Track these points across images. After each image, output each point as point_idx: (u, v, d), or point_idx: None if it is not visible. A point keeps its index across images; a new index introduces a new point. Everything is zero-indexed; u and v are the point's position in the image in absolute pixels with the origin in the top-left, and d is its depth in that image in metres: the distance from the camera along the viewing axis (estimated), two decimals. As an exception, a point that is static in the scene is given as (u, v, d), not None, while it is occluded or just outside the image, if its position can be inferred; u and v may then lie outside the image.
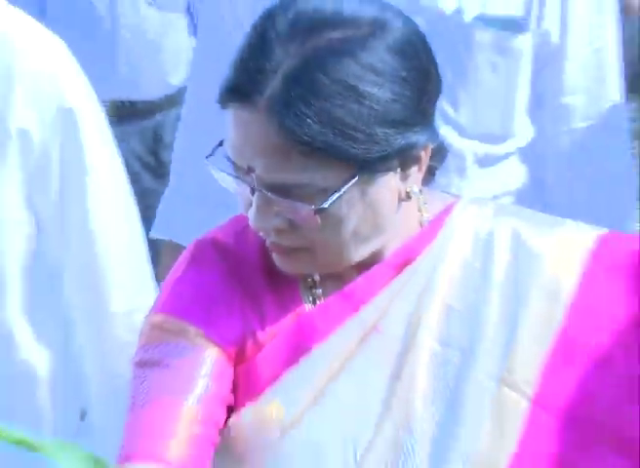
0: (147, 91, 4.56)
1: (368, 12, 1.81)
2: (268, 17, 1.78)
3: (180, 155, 2.97)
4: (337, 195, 1.71)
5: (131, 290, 2.11)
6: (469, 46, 2.77)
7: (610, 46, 2.87)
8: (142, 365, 1.85)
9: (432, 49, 1.91)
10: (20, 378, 2.05)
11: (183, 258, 1.94)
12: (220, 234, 1.96)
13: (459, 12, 2.72)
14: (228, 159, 1.76)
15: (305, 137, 1.68)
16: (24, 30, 2.07)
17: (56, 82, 2.11)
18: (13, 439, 1.11)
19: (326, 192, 1.71)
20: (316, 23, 1.76)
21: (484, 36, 2.78)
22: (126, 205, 2.14)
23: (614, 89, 2.88)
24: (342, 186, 1.72)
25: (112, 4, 4.58)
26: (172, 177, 3.02)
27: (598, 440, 1.91)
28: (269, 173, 1.71)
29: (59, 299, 2.06)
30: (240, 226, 1.90)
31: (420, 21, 2.56)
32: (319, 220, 1.73)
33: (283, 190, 1.71)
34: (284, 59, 1.71)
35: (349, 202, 1.75)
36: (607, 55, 2.87)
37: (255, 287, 1.92)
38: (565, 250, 1.97)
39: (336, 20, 1.77)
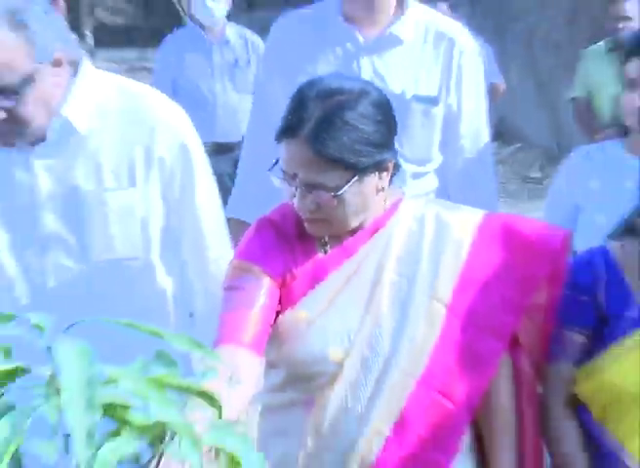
0: (231, 136, 4.52)
1: (357, 85, 1.81)
2: (302, 89, 1.79)
3: (242, 170, 2.83)
4: (344, 188, 1.70)
5: (218, 245, 2.01)
6: (408, 112, 2.60)
7: (482, 110, 2.76)
8: (228, 289, 1.82)
9: None
10: (158, 295, 1.97)
11: (251, 228, 1.92)
12: (273, 215, 1.92)
13: (402, 93, 2.58)
14: (281, 169, 1.75)
15: (328, 155, 1.68)
16: (162, 103, 1.96)
17: (178, 131, 1.99)
18: (151, 331, 1.05)
19: (338, 187, 1.71)
20: (330, 92, 1.75)
21: (416, 107, 2.63)
22: (215, 199, 2.06)
23: (485, 135, 2.76)
24: (347, 183, 1.71)
25: (211, 90, 4.53)
26: (236, 182, 2.88)
27: (485, 332, 1.84)
28: (307, 176, 1.70)
29: (179, 250, 1.98)
30: (283, 211, 1.88)
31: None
32: (335, 203, 1.72)
33: (314, 186, 1.71)
34: (314, 112, 1.70)
35: (351, 192, 1.73)
36: (481, 116, 2.76)
37: (292, 244, 1.88)
38: (464, 223, 1.91)
39: (340, 91, 1.76)
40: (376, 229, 1.85)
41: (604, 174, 2.37)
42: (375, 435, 1.75)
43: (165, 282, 1.97)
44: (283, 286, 1.86)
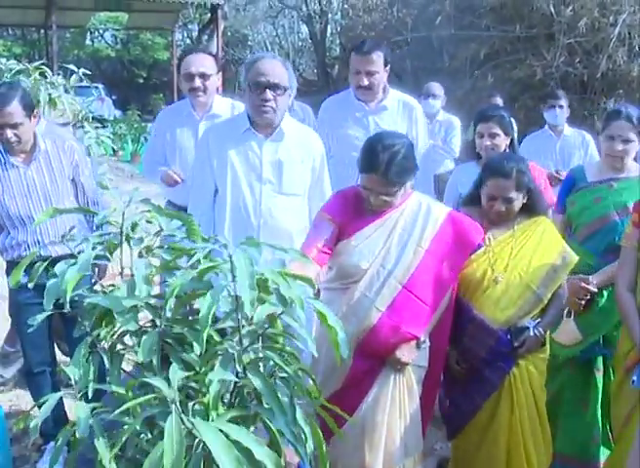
0: None
1: (400, 139, 2.49)
2: (372, 143, 2.46)
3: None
4: (397, 193, 2.46)
5: (328, 193, 3.02)
6: None
7: (425, 139, 3.84)
8: (313, 226, 2.61)
9: None
10: (303, 210, 3.06)
11: (332, 196, 2.68)
12: (346, 191, 2.62)
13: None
14: (364, 186, 2.47)
15: (392, 182, 2.42)
16: (313, 133, 3.17)
17: (319, 146, 3.08)
18: (281, 248, 1.57)
19: (395, 193, 2.44)
20: (388, 145, 2.41)
21: None
22: (328, 177, 3.13)
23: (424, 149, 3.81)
24: (399, 191, 2.46)
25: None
26: None
27: (445, 266, 2.54)
28: (380, 191, 2.44)
29: (311, 194, 3.06)
30: (352, 191, 2.58)
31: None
32: (392, 199, 2.46)
33: (383, 193, 2.43)
34: (383, 158, 2.40)
35: (398, 194, 2.46)
36: (424, 141, 3.82)
37: (353, 207, 2.55)
38: (441, 211, 2.61)
39: (393, 144, 2.42)
40: (397, 206, 2.55)
41: (471, 176, 3.36)
42: (376, 311, 2.47)
43: (305, 205, 3.05)
44: (344, 227, 2.52)
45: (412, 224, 2.53)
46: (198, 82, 3.55)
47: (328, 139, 3.73)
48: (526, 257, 2.70)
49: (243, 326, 1.36)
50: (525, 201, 2.72)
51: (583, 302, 2.94)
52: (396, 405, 2.50)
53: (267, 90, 2.80)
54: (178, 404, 1.14)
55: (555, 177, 4.91)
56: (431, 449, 3.38)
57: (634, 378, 2.41)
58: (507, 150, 3.46)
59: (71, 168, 3.27)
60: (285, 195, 2.96)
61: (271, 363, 1.37)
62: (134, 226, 1.48)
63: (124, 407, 1.19)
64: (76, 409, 1.19)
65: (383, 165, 2.37)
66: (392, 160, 2.38)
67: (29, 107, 3.10)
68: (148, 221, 1.51)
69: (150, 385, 1.23)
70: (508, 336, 2.65)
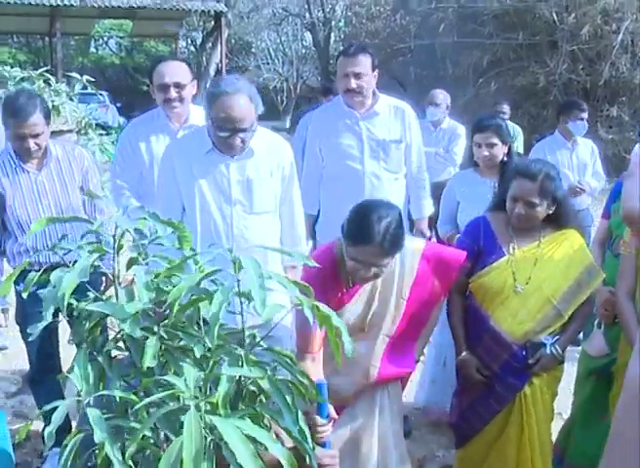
0: None
1: (392, 210, 2.30)
2: (364, 214, 2.27)
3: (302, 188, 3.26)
4: (390, 263, 2.33)
5: (298, 206, 2.98)
6: (387, 148, 3.66)
7: (420, 144, 3.81)
8: (302, 322, 2.22)
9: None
10: (276, 225, 2.92)
11: (307, 273, 2.29)
12: (319, 261, 2.17)
13: (383, 138, 3.65)
14: (355, 259, 2.28)
15: (388, 253, 2.27)
16: (283, 142, 2.95)
17: (289, 155, 2.91)
18: (280, 250, 1.90)
19: (388, 264, 2.30)
20: (382, 217, 2.25)
21: (392, 145, 3.68)
22: (298, 187, 2.98)
23: (421, 155, 3.82)
24: (390, 261, 2.32)
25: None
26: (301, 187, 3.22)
27: (423, 307, 2.52)
28: (374, 262, 2.28)
29: (283, 208, 2.93)
30: (324, 258, 2.34)
31: (372, 143, 3.56)
32: (384, 271, 2.32)
33: (376, 265, 2.28)
34: (379, 230, 2.24)
35: (390, 264, 2.35)
36: (420, 146, 3.80)
37: (333, 281, 2.41)
38: (415, 252, 2.50)
39: (387, 214, 2.26)
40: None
41: (468, 184, 3.55)
42: (373, 367, 2.50)
43: (277, 220, 2.92)
44: (327, 301, 2.04)
45: (390, 280, 2.47)
46: (173, 93, 3.36)
47: (320, 151, 3.73)
48: (549, 270, 2.63)
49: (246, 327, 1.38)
50: (552, 211, 2.64)
51: (610, 314, 2.82)
52: (385, 406, 2.55)
53: (234, 135, 2.66)
54: (193, 401, 1.17)
55: (578, 189, 4.96)
56: (433, 457, 3.39)
57: None
58: (505, 158, 3.48)
59: (81, 174, 3.27)
60: (256, 214, 2.83)
61: (271, 365, 1.39)
62: (122, 234, 1.47)
63: (140, 404, 1.22)
64: (90, 416, 1.20)
65: (380, 236, 2.23)
66: (388, 230, 2.25)
67: (48, 115, 3.10)
68: (137, 229, 1.49)
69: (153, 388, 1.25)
70: (523, 352, 2.61)
